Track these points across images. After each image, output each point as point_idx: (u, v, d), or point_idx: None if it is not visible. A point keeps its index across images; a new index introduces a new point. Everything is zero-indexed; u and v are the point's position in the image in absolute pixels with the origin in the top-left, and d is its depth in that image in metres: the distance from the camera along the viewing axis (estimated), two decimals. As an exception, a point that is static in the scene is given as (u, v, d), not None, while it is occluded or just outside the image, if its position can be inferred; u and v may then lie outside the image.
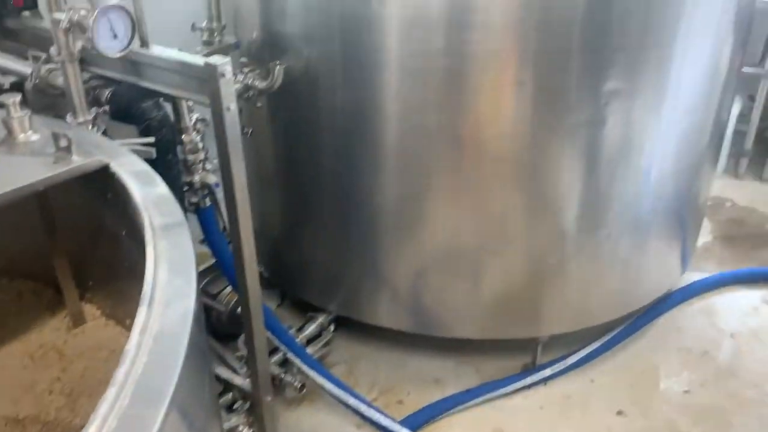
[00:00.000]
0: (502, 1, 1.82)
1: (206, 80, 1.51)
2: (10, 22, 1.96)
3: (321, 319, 2.44)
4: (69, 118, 1.54)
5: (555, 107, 1.98)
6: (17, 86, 1.73)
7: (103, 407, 0.73)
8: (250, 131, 2.26)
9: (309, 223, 2.38)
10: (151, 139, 1.54)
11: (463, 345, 2.44)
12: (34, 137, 1.33)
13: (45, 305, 1.61)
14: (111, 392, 0.75)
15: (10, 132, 1.31)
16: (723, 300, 2.81)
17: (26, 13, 1.97)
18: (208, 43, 1.99)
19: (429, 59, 1.91)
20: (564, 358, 2.41)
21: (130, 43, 1.38)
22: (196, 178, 1.86)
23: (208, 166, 1.88)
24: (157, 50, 1.61)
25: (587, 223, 2.17)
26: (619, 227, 2.22)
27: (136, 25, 1.38)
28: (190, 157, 1.81)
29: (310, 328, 2.41)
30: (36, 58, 1.58)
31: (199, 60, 1.50)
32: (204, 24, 2.00)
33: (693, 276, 2.85)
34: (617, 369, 2.45)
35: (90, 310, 1.59)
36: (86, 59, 1.62)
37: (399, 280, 2.32)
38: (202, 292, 2.17)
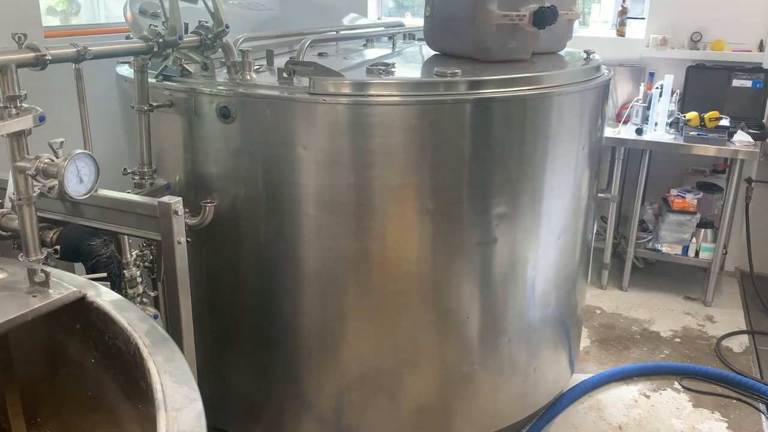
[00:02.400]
0: (400, 145, 2.11)
1: (159, 217, 1.67)
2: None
3: (246, 447, 2.47)
4: (21, 257, 1.62)
5: (454, 231, 2.27)
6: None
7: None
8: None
9: (230, 351, 2.47)
10: (104, 275, 1.65)
11: (386, 459, 2.54)
12: (1, 275, 1.41)
13: (-16, 448, 1.59)
14: (156, 481, 0.85)
15: (-22, 271, 1.38)
16: (607, 396, 3.13)
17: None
18: (139, 186, 2.14)
19: (341, 193, 2.16)
20: (480, 462, 2.58)
21: (94, 185, 1.52)
22: (134, 311, 1.94)
23: (145, 299, 1.97)
24: (105, 192, 1.76)
25: (490, 331, 2.44)
26: (517, 333, 2.50)
27: (99, 170, 1.53)
28: (130, 291, 1.91)
29: (236, 458, 2.43)
30: (-10, 204, 1.67)
31: (153, 200, 1.66)
32: (136, 168, 2.15)
33: (579, 377, 3.17)
34: (527, 468, 2.65)
35: (35, 447, 1.59)
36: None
37: (322, 400, 2.43)
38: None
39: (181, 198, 1.68)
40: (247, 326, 2.40)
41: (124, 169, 2.18)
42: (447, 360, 2.41)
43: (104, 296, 1.37)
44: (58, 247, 1.70)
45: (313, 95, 2.01)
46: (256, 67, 2.20)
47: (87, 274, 1.72)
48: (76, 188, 1.49)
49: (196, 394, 1.06)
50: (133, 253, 1.92)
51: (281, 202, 2.18)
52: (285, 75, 2.10)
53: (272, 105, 2.06)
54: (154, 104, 2.12)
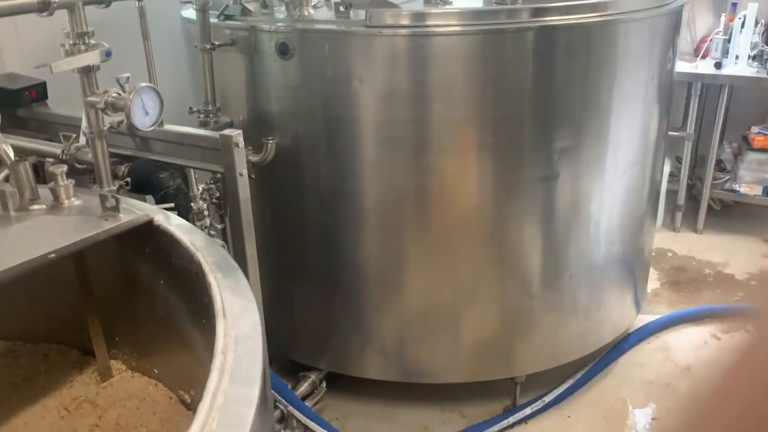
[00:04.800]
0: (460, 77, 2.09)
1: (221, 150, 1.72)
2: (22, 112, 2.16)
3: (313, 377, 2.56)
4: (95, 188, 1.71)
5: (514, 165, 2.24)
6: (34, 167, 1.90)
7: (210, 387, 0.89)
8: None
9: (296, 286, 2.55)
10: (171, 205, 1.73)
11: (447, 391, 2.60)
12: (77, 202, 1.50)
13: (71, 364, 1.72)
14: (214, 377, 0.91)
15: (57, 198, 1.48)
16: (676, 337, 3.07)
17: (35, 105, 2.18)
18: (204, 123, 2.20)
19: (400, 128, 2.17)
20: (541, 397, 2.60)
21: (158, 118, 1.58)
22: (202, 243, 2.03)
23: (212, 232, 2.05)
24: (171, 127, 1.83)
25: (551, 267, 2.42)
26: (579, 270, 2.47)
27: (163, 103, 1.59)
28: (198, 224, 1.99)
29: (303, 387, 2.53)
30: (66, 138, 1.76)
31: (214, 133, 1.72)
32: (201, 107, 2.22)
33: (647, 318, 3.11)
34: (590, 404, 2.65)
35: (115, 365, 1.70)
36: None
37: (384, 334, 2.49)
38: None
39: (241, 131, 1.73)
40: (311, 261, 2.46)
41: (190, 108, 2.25)
42: (507, 295, 2.41)
43: (171, 220, 1.44)
44: (129, 179, 1.78)
45: (370, 27, 2.00)
46: (313, 3, 2.20)
47: (156, 205, 1.80)
48: (142, 120, 1.55)
49: (254, 306, 1.11)
50: (200, 187, 2.00)
51: (340, 138, 2.20)
52: (342, 9, 2.09)
53: (330, 39, 2.07)
54: (216, 43, 2.16)
